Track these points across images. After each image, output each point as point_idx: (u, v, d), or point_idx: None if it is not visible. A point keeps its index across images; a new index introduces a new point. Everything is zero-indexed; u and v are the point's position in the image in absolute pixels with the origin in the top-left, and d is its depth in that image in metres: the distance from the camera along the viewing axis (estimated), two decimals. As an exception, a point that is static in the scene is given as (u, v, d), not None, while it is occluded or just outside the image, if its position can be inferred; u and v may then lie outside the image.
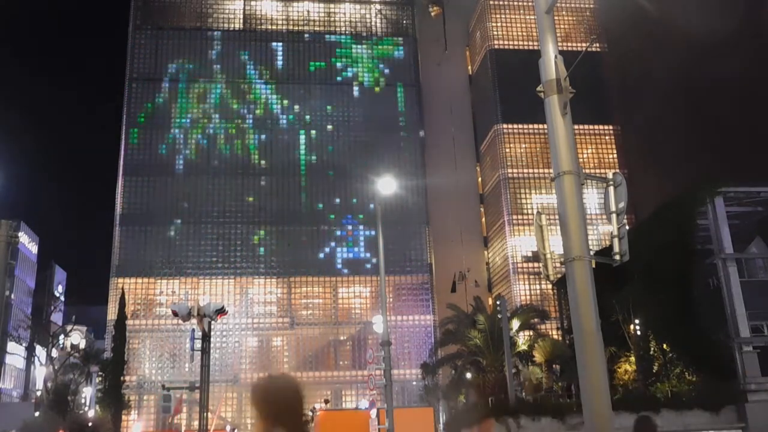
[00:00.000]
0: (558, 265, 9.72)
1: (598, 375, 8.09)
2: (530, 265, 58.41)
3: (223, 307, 18.62)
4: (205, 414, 18.77)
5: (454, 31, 69.87)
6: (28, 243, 67.41)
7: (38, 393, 56.11)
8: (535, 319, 39.62)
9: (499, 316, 30.71)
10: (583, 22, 66.72)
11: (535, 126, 60.20)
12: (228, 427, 50.22)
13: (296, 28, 65.13)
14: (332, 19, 65.96)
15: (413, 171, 60.64)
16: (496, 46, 65.55)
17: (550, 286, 50.59)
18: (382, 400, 25.81)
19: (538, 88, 8.97)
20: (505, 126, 62.81)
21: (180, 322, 23.61)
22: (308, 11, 65.72)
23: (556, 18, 9.62)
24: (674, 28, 43.95)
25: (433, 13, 67.68)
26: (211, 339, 19.25)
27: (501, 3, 67.08)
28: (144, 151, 59.92)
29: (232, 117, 61.81)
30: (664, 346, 29.99)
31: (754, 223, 31.39)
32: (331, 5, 66.15)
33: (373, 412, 24.22)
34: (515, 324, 36.58)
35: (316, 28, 65.40)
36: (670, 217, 29.56)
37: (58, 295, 72.28)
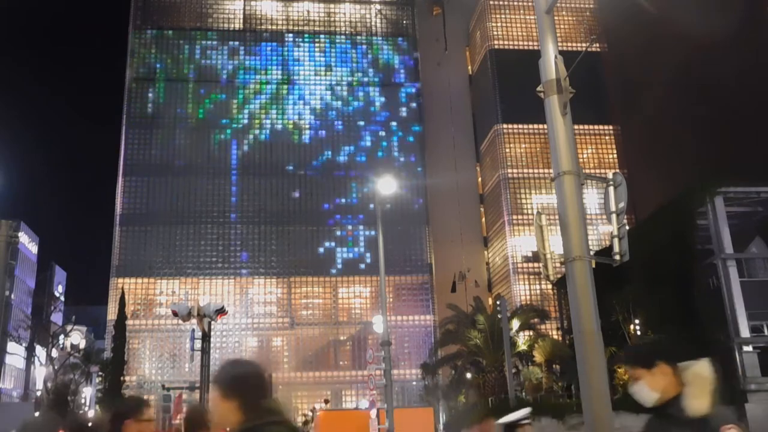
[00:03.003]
0: (558, 265, 9.72)
1: (598, 375, 8.08)
2: (530, 265, 58.43)
3: (223, 307, 18.60)
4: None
5: (454, 31, 69.90)
6: (28, 243, 67.37)
7: (38, 393, 56.09)
8: (535, 319, 39.58)
9: (499, 316, 30.70)
10: (583, 22, 66.75)
11: (535, 126, 60.24)
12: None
13: (296, 28, 65.15)
14: (332, 19, 65.98)
15: (413, 171, 60.65)
16: (496, 46, 65.58)
17: (550, 286, 50.57)
18: (382, 400, 25.80)
19: (538, 88, 8.96)
20: (505, 126, 62.83)
21: (180, 322, 23.60)
22: (308, 11, 65.74)
23: (556, 18, 9.62)
24: (674, 28, 43.92)
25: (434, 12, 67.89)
26: (211, 339, 19.24)
27: (501, 3, 67.11)
28: (144, 151, 59.95)
29: (232, 117, 61.84)
30: (664, 346, 29.94)
31: (754, 223, 31.36)
32: (331, 5, 66.17)
33: (373, 412, 24.19)
34: (515, 324, 36.55)
35: (316, 28, 65.41)
36: (669, 217, 29.54)
37: (58, 295, 72.23)
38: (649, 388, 3.54)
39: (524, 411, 4.93)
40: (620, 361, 31.72)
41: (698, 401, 3.39)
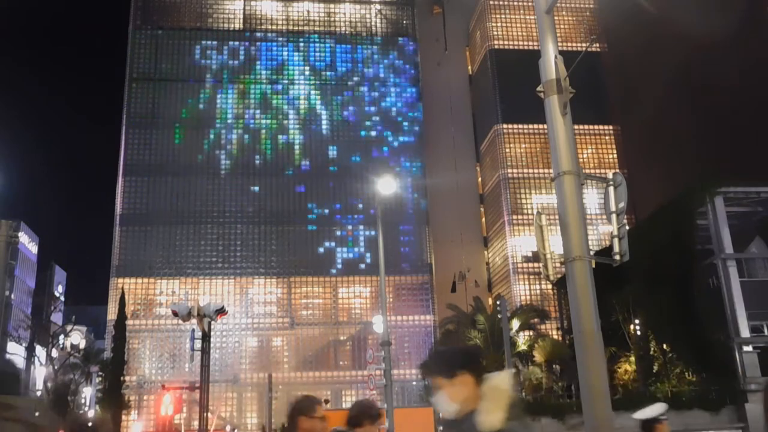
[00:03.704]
0: (558, 265, 9.72)
1: (598, 375, 8.09)
2: (530, 265, 58.40)
3: (223, 307, 18.59)
4: (205, 414, 18.76)
5: (454, 31, 69.90)
6: (28, 243, 67.37)
7: (38, 393, 56.10)
8: (535, 319, 39.63)
9: (499, 316, 30.70)
10: (583, 22, 66.74)
11: (535, 126, 60.21)
12: (228, 427, 50.22)
13: (296, 28, 65.13)
14: (332, 19, 65.96)
15: (413, 171, 60.67)
16: (496, 46, 65.57)
17: (550, 286, 50.59)
18: (382, 400, 25.80)
19: (538, 88, 8.97)
20: (505, 126, 62.83)
21: (180, 322, 23.59)
22: (308, 11, 65.73)
23: (556, 18, 9.62)
24: (674, 28, 43.93)
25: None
26: (211, 339, 19.23)
27: (501, 3, 67.10)
28: (144, 151, 59.93)
29: (232, 117, 61.82)
30: (664, 346, 29.99)
31: (754, 223, 31.37)
32: (331, 5, 66.16)
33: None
34: (515, 324, 36.58)
35: (316, 28, 65.39)
36: (669, 217, 29.56)
37: (58, 295, 72.24)
38: (448, 399, 3.27)
39: (661, 406, 4.70)
40: (619, 360, 31.76)
41: (491, 416, 3.13)
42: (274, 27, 64.89)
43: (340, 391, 56.27)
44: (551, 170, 9.07)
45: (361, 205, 59.42)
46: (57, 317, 69.90)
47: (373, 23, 66.24)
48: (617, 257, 8.60)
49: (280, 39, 64.48)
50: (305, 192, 60.30)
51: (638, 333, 30.99)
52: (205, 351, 18.46)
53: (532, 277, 58.49)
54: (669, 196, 32.19)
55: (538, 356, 35.04)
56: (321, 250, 59.14)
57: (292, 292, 58.60)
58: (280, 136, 61.79)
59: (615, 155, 63.02)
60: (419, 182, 60.63)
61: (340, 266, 58.86)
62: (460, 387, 3.25)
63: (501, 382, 3.24)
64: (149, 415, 52.84)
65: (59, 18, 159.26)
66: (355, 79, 64.16)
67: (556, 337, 40.65)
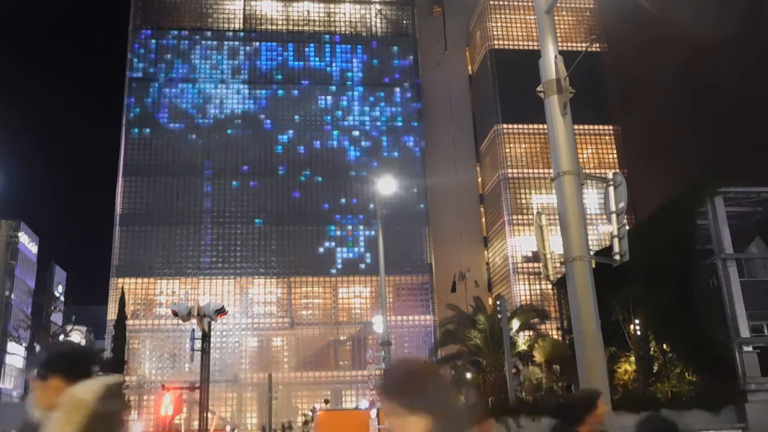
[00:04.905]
0: (558, 265, 9.72)
1: (598, 375, 8.09)
2: (530, 265, 58.40)
3: (223, 307, 18.57)
4: (205, 414, 18.76)
5: (454, 31, 69.89)
6: (28, 243, 67.36)
7: (38, 393, 55.99)
8: (535, 319, 39.54)
9: (499, 316, 30.68)
10: (583, 22, 66.74)
11: (535, 126, 60.20)
12: (228, 427, 50.18)
13: (296, 28, 65.14)
14: (332, 19, 65.97)
15: (413, 171, 60.64)
16: (496, 46, 65.56)
17: (550, 286, 50.54)
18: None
19: (538, 88, 8.97)
20: (505, 126, 62.82)
21: (180, 322, 23.58)
22: (308, 11, 65.73)
23: (556, 18, 9.63)
24: (674, 28, 43.92)
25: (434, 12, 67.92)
26: (211, 339, 19.24)
27: (501, 3, 67.10)
28: (144, 151, 59.93)
29: (232, 117, 61.82)
30: (664, 346, 29.97)
31: (754, 223, 31.36)
32: (331, 5, 66.16)
33: (373, 412, 24.20)
34: (515, 324, 36.53)
35: (316, 28, 65.41)
36: (669, 217, 29.52)
37: (58, 295, 72.25)
38: (34, 404, 2.94)
39: None
40: (619, 360, 31.76)
41: (54, 429, 2.59)
42: (274, 27, 64.89)
43: (340, 391, 56.28)
44: (551, 170, 9.07)
45: (361, 205, 59.42)
46: (57, 317, 69.92)
47: (373, 23, 66.25)
48: (617, 257, 8.61)
49: (280, 39, 64.47)
50: (305, 192, 60.31)
51: (638, 333, 30.96)
52: (205, 351, 18.46)
53: (532, 277, 58.49)
54: (669, 196, 32.14)
55: (538, 356, 34.98)
56: (321, 250, 59.15)
57: (292, 292, 58.61)
58: (280, 136, 61.79)
59: (615, 155, 63.02)
60: (419, 182, 60.63)
61: (340, 266, 58.87)
62: (50, 392, 2.90)
63: (83, 391, 2.67)
64: (149, 415, 52.81)
65: (59, 18, 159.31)
66: (355, 78, 64.16)
67: (556, 337, 40.59)
